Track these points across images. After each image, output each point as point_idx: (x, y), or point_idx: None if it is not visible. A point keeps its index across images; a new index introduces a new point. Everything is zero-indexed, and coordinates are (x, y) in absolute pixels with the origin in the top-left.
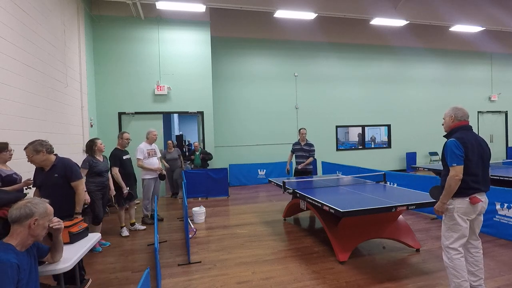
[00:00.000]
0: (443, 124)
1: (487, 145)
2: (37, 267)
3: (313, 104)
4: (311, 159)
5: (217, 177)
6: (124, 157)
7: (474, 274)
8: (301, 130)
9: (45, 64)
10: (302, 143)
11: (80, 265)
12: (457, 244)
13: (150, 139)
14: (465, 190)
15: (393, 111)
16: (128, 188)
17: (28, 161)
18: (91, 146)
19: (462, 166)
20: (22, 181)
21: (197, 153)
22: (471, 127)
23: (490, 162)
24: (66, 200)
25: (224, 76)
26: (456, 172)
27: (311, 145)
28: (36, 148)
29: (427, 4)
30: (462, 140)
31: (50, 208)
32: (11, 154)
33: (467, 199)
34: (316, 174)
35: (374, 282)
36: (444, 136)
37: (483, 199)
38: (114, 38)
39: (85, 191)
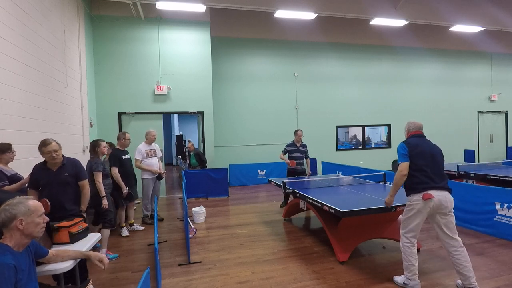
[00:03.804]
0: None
1: (439, 149)
2: (35, 267)
3: (313, 104)
4: (308, 160)
5: (217, 177)
6: (124, 157)
7: (461, 273)
8: (298, 132)
9: (45, 64)
10: (298, 144)
11: (83, 265)
12: (409, 234)
13: (149, 140)
14: (417, 185)
15: (393, 111)
16: (127, 188)
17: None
18: (94, 147)
19: (407, 163)
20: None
21: (192, 153)
22: (422, 135)
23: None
24: (76, 199)
25: (224, 76)
26: (401, 168)
27: (305, 146)
28: (59, 144)
29: (427, 4)
30: (406, 142)
31: (35, 204)
32: (14, 156)
33: (421, 195)
34: (316, 174)
35: (374, 282)
36: None
37: (438, 196)
38: (114, 38)
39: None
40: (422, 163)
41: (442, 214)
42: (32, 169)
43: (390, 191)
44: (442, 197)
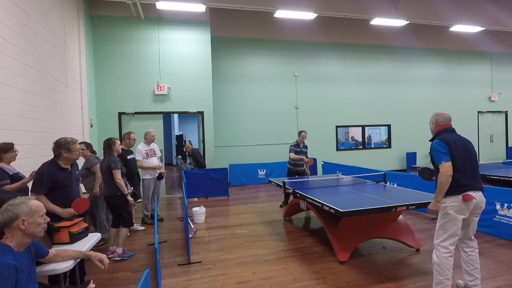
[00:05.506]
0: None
1: (472, 145)
2: (35, 267)
3: (313, 104)
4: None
5: (217, 177)
6: (128, 157)
7: (470, 274)
8: (303, 133)
9: (45, 64)
10: (301, 145)
11: (81, 265)
12: (448, 242)
13: (148, 140)
14: (456, 187)
15: (393, 111)
16: (132, 187)
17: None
18: (109, 145)
19: (449, 162)
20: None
21: (190, 154)
22: (453, 129)
23: (480, 161)
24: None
25: (224, 76)
26: (446, 168)
27: (306, 147)
28: None
29: (427, 4)
30: (444, 139)
31: (37, 204)
32: (16, 155)
33: (460, 196)
34: (316, 174)
35: (374, 282)
36: (430, 140)
37: (477, 197)
38: (114, 38)
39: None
40: (462, 163)
41: (475, 215)
42: (45, 172)
43: (435, 196)
44: (480, 198)
